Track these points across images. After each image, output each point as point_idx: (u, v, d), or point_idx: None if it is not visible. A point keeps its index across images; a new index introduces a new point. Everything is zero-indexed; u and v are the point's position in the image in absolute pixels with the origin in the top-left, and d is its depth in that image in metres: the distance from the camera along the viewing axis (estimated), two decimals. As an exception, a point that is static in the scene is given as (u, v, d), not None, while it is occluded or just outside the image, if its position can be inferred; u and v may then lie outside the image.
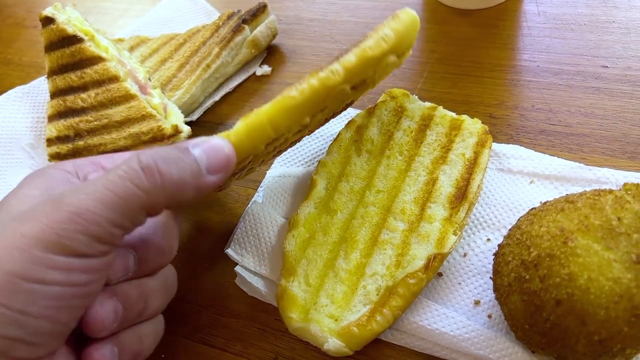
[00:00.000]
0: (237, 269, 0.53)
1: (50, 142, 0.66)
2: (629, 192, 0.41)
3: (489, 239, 0.51)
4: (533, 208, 0.45)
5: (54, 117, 0.67)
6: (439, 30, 0.76)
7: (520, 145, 0.58)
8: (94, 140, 0.64)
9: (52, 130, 0.66)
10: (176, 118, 0.64)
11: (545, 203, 0.44)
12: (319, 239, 0.52)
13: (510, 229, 0.45)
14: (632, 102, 0.60)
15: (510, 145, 0.58)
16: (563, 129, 0.59)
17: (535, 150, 0.57)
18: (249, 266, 0.53)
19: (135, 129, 0.62)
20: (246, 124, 0.42)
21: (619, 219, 0.38)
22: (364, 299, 0.47)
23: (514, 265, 0.41)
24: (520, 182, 0.55)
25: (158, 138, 0.61)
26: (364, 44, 0.44)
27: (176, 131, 0.61)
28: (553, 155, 0.56)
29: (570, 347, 0.38)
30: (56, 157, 0.65)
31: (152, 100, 0.65)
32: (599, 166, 0.54)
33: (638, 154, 0.55)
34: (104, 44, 0.69)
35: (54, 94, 0.68)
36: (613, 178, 0.52)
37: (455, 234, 0.50)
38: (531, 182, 0.54)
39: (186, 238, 0.59)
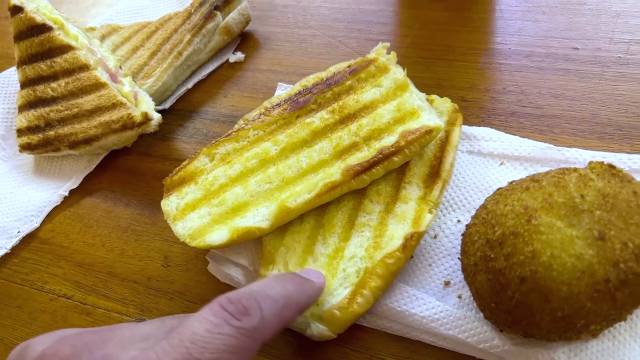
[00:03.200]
0: (209, 256, 0.53)
1: (20, 132, 0.66)
2: (593, 170, 0.41)
3: (459, 221, 0.52)
4: (500, 188, 0.45)
5: (24, 107, 0.67)
6: (412, 15, 0.76)
7: (492, 128, 0.58)
8: (65, 129, 0.63)
9: (23, 120, 0.66)
10: (147, 106, 0.63)
11: (511, 182, 0.44)
12: (296, 225, 0.52)
13: (477, 209, 0.45)
14: (602, 83, 0.61)
15: (482, 127, 0.58)
16: (534, 111, 0.60)
17: (506, 133, 0.57)
18: (227, 255, 0.52)
19: (105, 117, 0.62)
20: None
21: (582, 196, 0.38)
22: (345, 282, 0.47)
23: (479, 245, 0.41)
24: (491, 164, 0.55)
25: (128, 126, 0.60)
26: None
27: (146, 118, 0.61)
28: (524, 137, 0.56)
29: (535, 324, 0.38)
30: (27, 147, 0.65)
31: (123, 89, 0.64)
32: (568, 147, 0.54)
33: (606, 133, 0.56)
34: (74, 32, 0.68)
35: (24, 84, 0.68)
36: (581, 158, 0.52)
37: (430, 212, 0.50)
38: (501, 164, 0.54)
39: (159, 224, 0.59)
